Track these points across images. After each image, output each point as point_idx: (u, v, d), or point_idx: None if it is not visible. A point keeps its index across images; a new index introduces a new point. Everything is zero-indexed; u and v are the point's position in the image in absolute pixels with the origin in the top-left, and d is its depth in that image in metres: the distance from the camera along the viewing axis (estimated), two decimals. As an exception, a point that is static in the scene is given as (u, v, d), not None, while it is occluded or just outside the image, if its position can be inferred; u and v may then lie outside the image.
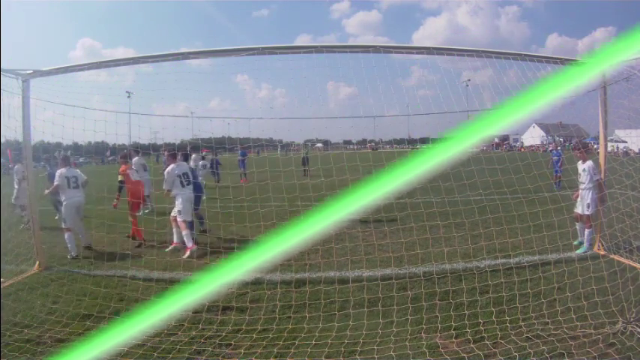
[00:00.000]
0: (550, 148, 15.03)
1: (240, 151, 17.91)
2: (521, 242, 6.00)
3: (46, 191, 6.85)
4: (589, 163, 5.85)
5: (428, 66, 5.67)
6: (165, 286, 4.68)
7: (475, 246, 5.65)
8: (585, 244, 5.78)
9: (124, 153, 7.84)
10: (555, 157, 12.48)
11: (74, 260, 5.97)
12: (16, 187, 8.71)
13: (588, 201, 5.76)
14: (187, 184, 6.64)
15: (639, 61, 4.64)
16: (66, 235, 6.18)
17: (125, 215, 7.63)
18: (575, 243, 5.95)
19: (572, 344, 3.13)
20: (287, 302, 4.16)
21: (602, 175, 5.47)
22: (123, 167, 7.32)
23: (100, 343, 2.77)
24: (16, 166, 8.83)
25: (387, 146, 14.61)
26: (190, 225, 6.56)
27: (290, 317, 3.80)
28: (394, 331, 3.46)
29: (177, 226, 6.50)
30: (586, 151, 5.99)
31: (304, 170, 14.94)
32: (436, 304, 3.91)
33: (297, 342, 3.33)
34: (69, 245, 6.16)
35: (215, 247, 6.09)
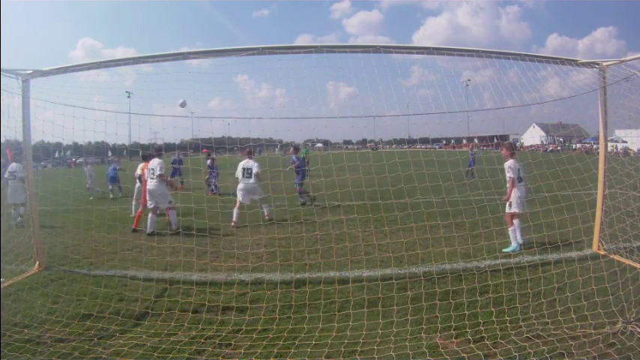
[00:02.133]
0: (470, 148, 17.84)
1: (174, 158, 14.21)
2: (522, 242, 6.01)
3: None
4: (508, 161, 6.03)
5: (428, 66, 5.68)
6: (166, 286, 4.69)
7: (475, 246, 5.65)
8: (512, 243, 5.87)
9: (147, 153, 8.31)
10: (471, 157, 15.78)
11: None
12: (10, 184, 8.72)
13: (510, 199, 5.92)
14: (247, 177, 8.48)
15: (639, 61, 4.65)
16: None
17: (125, 215, 7.64)
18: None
19: (572, 344, 3.13)
20: (287, 302, 4.16)
21: (601, 177, 5.45)
22: (143, 165, 8.23)
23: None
24: (10, 165, 8.80)
25: (387, 146, 14.59)
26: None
27: (290, 317, 3.79)
28: (394, 331, 3.46)
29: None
30: (511, 151, 6.19)
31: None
32: (436, 304, 3.91)
33: (297, 342, 3.33)
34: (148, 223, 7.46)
35: (215, 248, 6.11)
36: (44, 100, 5.21)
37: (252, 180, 8.48)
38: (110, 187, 14.13)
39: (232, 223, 7.99)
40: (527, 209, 6.06)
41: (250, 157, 8.61)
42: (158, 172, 7.57)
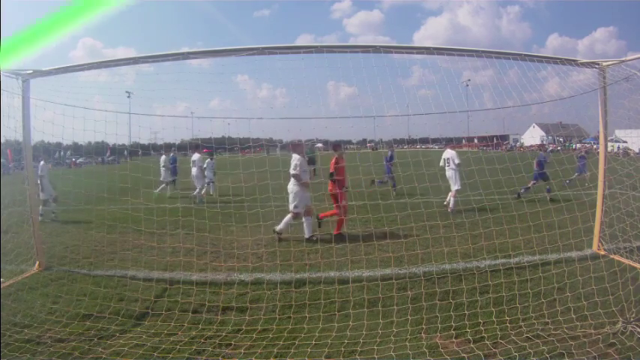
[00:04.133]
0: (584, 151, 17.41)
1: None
2: (522, 242, 6.01)
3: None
4: None
5: (428, 66, 5.69)
6: (166, 286, 4.69)
7: (475, 246, 5.65)
8: None
9: (338, 144, 7.39)
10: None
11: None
12: (38, 182, 9.14)
13: None
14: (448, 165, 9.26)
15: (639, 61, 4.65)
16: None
17: (125, 215, 7.63)
18: None
19: (572, 344, 3.13)
20: (287, 302, 4.16)
21: (601, 177, 5.43)
22: (334, 159, 7.17)
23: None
24: (41, 163, 9.58)
25: (387, 146, 14.58)
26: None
27: (290, 317, 3.80)
28: (394, 331, 3.46)
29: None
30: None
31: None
32: (436, 304, 3.91)
33: (297, 342, 3.33)
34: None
35: (215, 248, 6.10)
36: (44, 100, 5.21)
37: (452, 167, 9.28)
38: (172, 179, 13.66)
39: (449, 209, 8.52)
40: None
41: (452, 148, 9.45)
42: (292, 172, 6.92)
